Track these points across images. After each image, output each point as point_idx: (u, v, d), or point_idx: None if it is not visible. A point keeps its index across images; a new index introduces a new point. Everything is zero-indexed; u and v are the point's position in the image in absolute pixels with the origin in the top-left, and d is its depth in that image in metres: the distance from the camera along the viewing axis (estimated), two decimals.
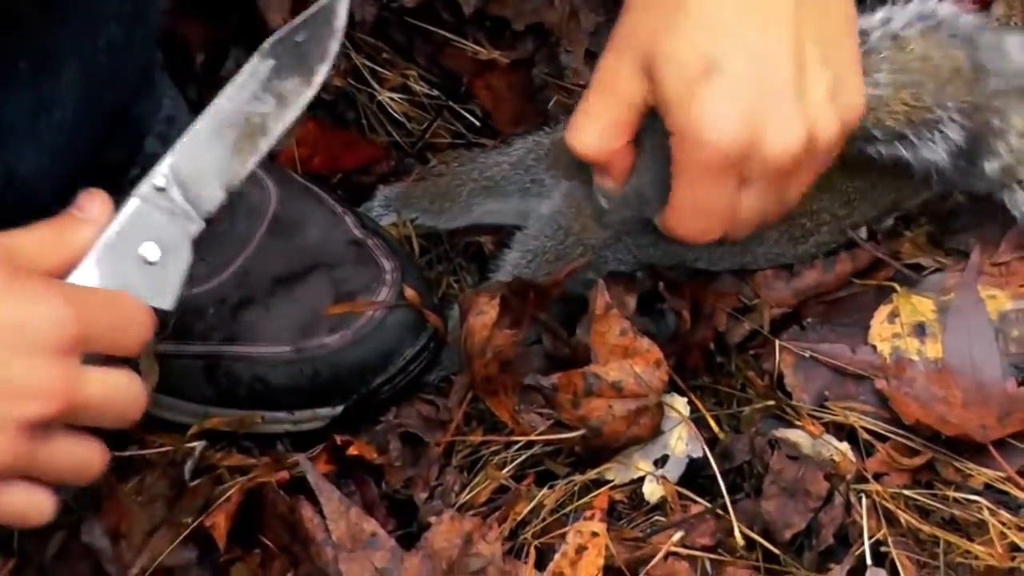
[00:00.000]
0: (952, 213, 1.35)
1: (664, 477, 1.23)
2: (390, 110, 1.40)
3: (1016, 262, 1.31)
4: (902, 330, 1.29)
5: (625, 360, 1.21)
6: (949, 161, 1.25)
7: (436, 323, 1.22)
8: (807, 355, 1.29)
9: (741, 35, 1.10)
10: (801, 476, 1.20)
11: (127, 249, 1.01)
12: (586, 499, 1.21)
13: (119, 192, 1.22)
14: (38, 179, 1.11)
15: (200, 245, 1.22)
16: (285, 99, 1.07)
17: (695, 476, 1.24)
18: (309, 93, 1.08)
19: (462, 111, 1.40)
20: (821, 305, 1.32)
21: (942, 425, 1.24)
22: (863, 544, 1.18)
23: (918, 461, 1.24)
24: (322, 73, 1.08)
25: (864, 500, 1.20)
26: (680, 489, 1.23)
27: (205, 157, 1.06)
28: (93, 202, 1.02)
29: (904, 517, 1.21)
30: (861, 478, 1.22)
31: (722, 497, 1.20)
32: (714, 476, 1.22)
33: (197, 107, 1.27)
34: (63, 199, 1.18)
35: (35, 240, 0.99)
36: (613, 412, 1.20)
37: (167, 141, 1.23)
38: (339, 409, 1.23)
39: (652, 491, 1.23)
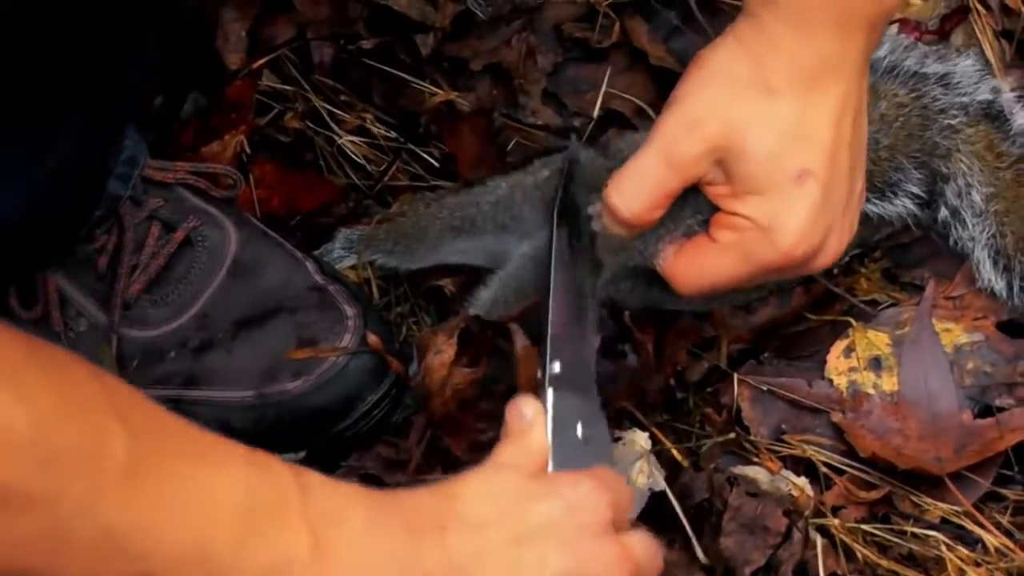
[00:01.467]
0: (906, 247, 1.35)
1: None
2: (349, 152, 1.40)
3: (970, 295, 1.32)
4: (858, 364, 1.30)
5: None
6: (917, 209, 1.28)
7: (398, 369, 1.22)
8: (764, 389, 1.29)
9: (826, 139, 1.07)
10: (760, 512, 1.21)
11: (570, 437, 1.07)
12: None
13: (77, 236, 1.22)
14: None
15: (158, 287, 1.23)
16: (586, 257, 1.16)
17: (656, 513, 1.24)
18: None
19: (421, 153, 1.40)
20: (778, 340, 1.33)
21: (898, 458, 1.25)
22: None
23: (875, 495, 1.25)
24: (597, 220, 1.14)
25: (822, 536, 1.21)
26: (639, 524, 1.23)
27: (569, 322, 1.13)
28: (526, 407, 1.04)
29: (862, 552, 1.22)
30: (820, 512, 1.23)
31: (684, 534, 1.21)
32: (674, 513, 1.22)
33: (156, 149, 1.27)
34: (22, 250, 1.17)
35: (514, 455, 1.02)
36: None
37: (128, 182, 1.23)
38: (301, 455, 1.23)
39: None
